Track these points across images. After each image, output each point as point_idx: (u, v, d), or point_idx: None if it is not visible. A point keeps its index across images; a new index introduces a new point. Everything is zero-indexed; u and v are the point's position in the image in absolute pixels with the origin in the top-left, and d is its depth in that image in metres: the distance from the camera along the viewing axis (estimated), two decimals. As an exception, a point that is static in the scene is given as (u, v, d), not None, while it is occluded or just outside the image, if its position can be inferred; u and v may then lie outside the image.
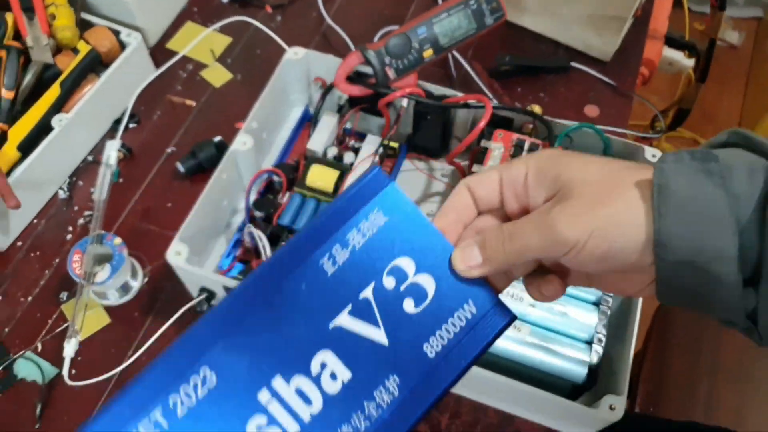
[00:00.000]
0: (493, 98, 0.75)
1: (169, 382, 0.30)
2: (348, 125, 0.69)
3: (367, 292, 0.33)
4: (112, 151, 0.66)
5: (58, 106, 0.66)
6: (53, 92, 0.65)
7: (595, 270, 0.31)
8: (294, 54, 0.67)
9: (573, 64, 0.80)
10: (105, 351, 0.59)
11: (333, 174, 0.64)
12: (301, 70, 0.69)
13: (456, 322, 0.34)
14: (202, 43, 0.78)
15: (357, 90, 0.64)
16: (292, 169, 0.65)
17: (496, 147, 0.63)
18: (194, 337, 0.31)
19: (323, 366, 0.32)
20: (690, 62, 1.02)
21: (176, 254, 0.55)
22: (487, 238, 0.32)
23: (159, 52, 0.78)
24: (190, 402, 0.30)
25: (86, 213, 0.66)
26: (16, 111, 0.64)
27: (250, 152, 0.62)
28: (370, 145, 0.67)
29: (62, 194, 0.67)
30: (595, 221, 0.29)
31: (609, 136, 0.63)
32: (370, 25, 0.82)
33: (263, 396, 0.31)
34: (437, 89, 0.66)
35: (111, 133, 0.71)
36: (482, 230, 0.34)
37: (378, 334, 0.33)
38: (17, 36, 0.66)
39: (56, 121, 0.64)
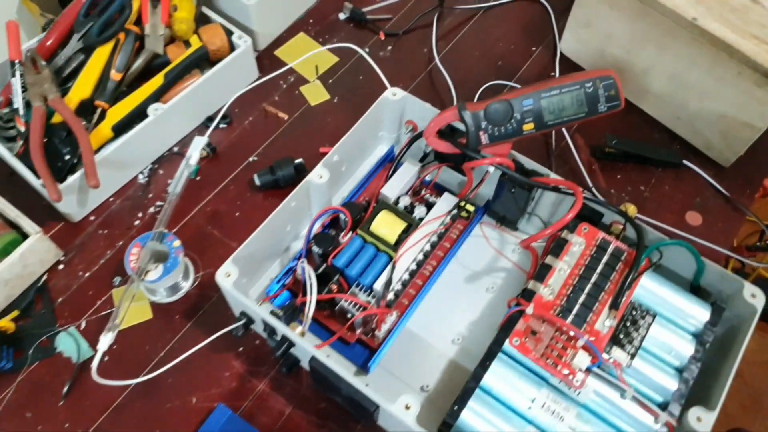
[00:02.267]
0: (587, 188, 0.70)
1: None
2: (428, 177, 0.66)
3: None
4: (195, 151, 0.67)
5: (158, 96, 0.67)
6: (156, 81, 0.67)
7: None
8: (392, 95, 0.66)
9: (686, 162, 0.73)
10: (138, 346, 0.59)
11: (400, 225, 0.62)
12: (396, 110, 0.67)
13: None
14: (311, 59, 0.78)
15: (445, 147, 0.61)
16: (360, 209, 0.63)
17: (578, 242, 0.59)
18: None
19: None
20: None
21: (225, 275, 0.54)
22: None
23: (266, 57, 0.79)
24: None
25: (158, 203, 0.68)
26: (119, 93, 0.67)
27: (324, 185, 0.61)
28: (445, 203, 0.64)
29: (141, 179, 0.69)
30: None
31: (706, 261, 0.57)
32: (479, 74, 0.79)
33: None
34: (529, 163, 0.62)
35: (201, 129, 0.73)
36: None
37: None
38: (138, 21, 0.68)
39: (152, 109, 0.66)
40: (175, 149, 0.71)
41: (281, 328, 0.53)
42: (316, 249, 0.60)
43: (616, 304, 0.55)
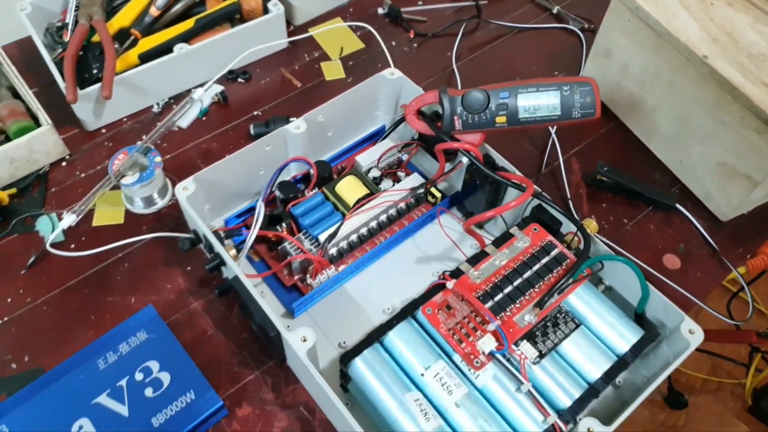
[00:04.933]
0: (567, 209, 0.69)
1: None
2: (405, 157, 0.69)
3: (122, 382, 0.54)
4: (208, 93, 0.73)
5: (186, 37, 0.74)
6: (187, 24, 0.74)
7: None
8: (390, 74, 0.69)
9: (679, 206, 0.71)
10: (102, 241, 0.64)
11: (362, 191, 0.64)
12: (392, 91, 0.70)
13: (178, 404, 0.53)
14: (338, 39, 0.83)
15: (421, 126, 0.63)
16: (329, 169, 0.66)
17: (523, 239, 0.59)
18: (6, 403, 0.52)
19: (81, 428, 0.52)
20: None
21: (183, 189, 0.59)
22: None
23: (300, 32, 0.85)
24: None
25: (164, 133, 0.74)
26: (154, 28, 0.74)
27: (301, 137, 0.64)
28: (413, 182, 0.66)
29: (155, 109, 0.76)
30: None
31: (651, 289, 0.55)
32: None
33: None
34: (502, 161, 0.63)
35: (221, 80, 0.79)
36: None
37: (123, 410, 0.53)
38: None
39: (177, 48, 0.73)
40: (193, 91, 0.78)
41: (216, 244, 0.56)
42: (278, 193, 0.64)
43: (541, 303, 0.54)
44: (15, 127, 0.67)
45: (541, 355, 0.52)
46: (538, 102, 0.59)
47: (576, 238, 0.60)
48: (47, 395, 0.53)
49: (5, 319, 0.60)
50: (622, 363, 0.53)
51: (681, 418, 1.32)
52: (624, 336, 0.54)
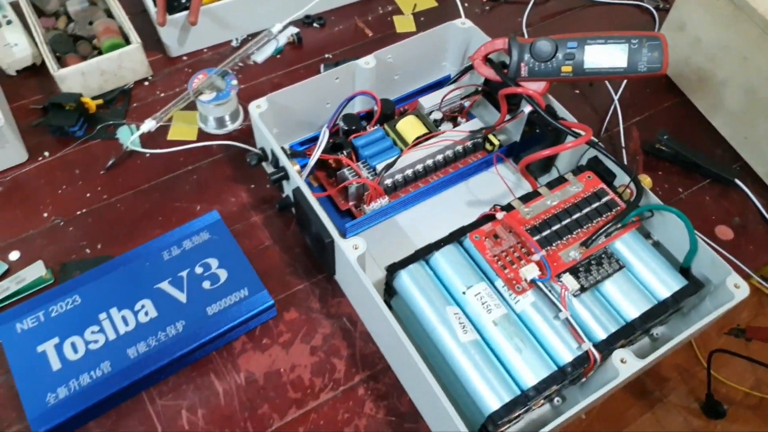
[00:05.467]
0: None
1: (50, 299, 0.55)
2: (466, 103, 0.71)
3: (183, 273, 0.58)
4: (284, 34, 0.77)
5: (271, -22, 0.79)
6: (274, -35, 0.78)
7: None
8: (461, 23, 0.71)
9: (738, 181, 0.70)
10: (175, 156, 0.69)
11: (421, 130, 0.66)
12: (461, 41, 0.72)
13: (232, 299, 0.57)
14: (412, -4, 0.86)
15: (487, 72, 0.65)
16: (393, 107, 0.69)
17: (576, 184, 0.60)
18: (82, 278, 0.57)
19: (143, 307, 0.56)
20: None
21: (256, 107, 0.63)
22: None
23: (377, -13, 0.88)
24: (60, 310, 0.55)
25: (241, 65, 0.78)
26: (243, -35, 0.79)
27: (369, 73, 0.67)
28: (472, 126, 0.68)
29: (234, 43, 0.81)
30: None
31: (699, 242, 0.55)
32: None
33: (102, 316, 0.55)
34: (563, 112, 0.64)
35: (298, 24, 0.83)
36: None
37: (181, 296, 0.57)
38: None
39: (261, -14, 0.78)
40: (272, 31, 0.82)
41: (282, 158, 0.60)
42: (342, 124, 0.67)
43: (587, 242, 0.55)
44: (108, 42, 0.73)
45: (582, 289, 0.53)
46: (605, 53, 0.60)
47: (628, 190, 0.60)
48: (116, 276, 0.57)
49: (84, 210, 0.65)
50: (661, 307, 0.53)
51: (716, 428, 1.29)
52: (666, 283, 0.55)
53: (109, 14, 0.78)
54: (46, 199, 0.65)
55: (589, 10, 0.89)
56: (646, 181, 0.64)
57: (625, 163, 0.72)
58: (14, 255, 0.61)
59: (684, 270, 0.57)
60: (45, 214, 0.64)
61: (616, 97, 0.77)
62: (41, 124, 0.70)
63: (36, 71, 0.76)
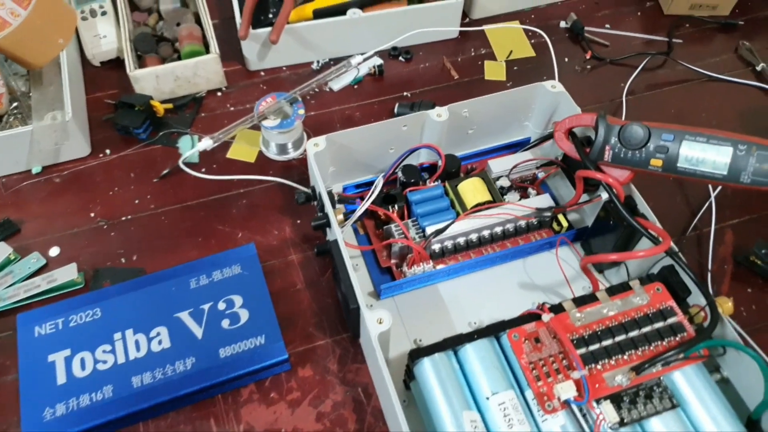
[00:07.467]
0: (705, 285, 0.61)
1: (72, 307, 0.56)
2: (540, 174, 0.65)
3: (205, 306, 0.56)
4: (366, 64, 0.74)
5: (362, 3, 0.76)
6: (366, -8, 0.75)
7: None
8: (551, 86, 0.65)
9: (843, 318, 0.60)
10: (230, 172, 0.68)
11: (484, 196, 0.61)
12: (548, 104, 0.66)
13: (247, 344, 0.54)
14: (509, 41, 0.80)
15: (568, 147, 0.59)
16: (458, 165, 0.64)
17: (641, 295, 0.53)
18: (108, 290, 0.57)
19: (158, 334, 0.54)
20: None
21: (314, 145, 0.60)
22: None
23: (473, 24, 0.83)
24: (80, 321, 0.55)
25: (316, 90, 0.76)
26: (336, -10, 0.76)
27: (440, 126, 0.63)
28: (541, 202, 0.62)
29: (315, 66, 0.78)
30: None
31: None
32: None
33: (117, 335, 0.54)
34: (644, 208, 0.57)
35: (382, 54, 0.79)
36: None
37: (198, 331, 0.55)
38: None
39: (351, 12, 0.75)
40: (353, 58, 0.79)
41: (327, 204, 0.57)
42: (400, 175, 0.63)
43: (639, 369, 0.48)
44: (188, 48, 0.72)
45: (622, 423, 0.47)
46: (704, 154, 0.53)
47: (702, 314, 0.53)
48: (140, 295, 0.56)
49: (129, 217, 0.65)
50: (715, 466, 0.46)
51: None
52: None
53: (198, 19, 0.77)
54: (97, 198, 0.66)
55: (706, 85, 0.80)
56: (726, 305, 0.55)
57: (710, 269, 0.64)
58: (54, 251, 0.62)
59: (751, 423, 0.49)
60: (92, 214, 0.65)
61: (713, 194, 0.68)
62: (110, 120, 0.71)
63: (118, 65, 0.77)
